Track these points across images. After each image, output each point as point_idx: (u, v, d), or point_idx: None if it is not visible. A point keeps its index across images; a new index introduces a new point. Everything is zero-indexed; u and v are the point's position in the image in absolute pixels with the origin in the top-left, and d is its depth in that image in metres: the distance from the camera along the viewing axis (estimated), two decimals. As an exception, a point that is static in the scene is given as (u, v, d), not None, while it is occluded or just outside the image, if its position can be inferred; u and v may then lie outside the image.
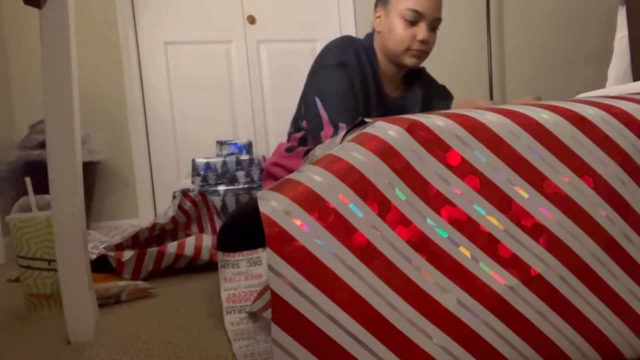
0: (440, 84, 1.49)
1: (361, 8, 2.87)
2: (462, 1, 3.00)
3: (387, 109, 1.34)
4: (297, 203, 0.54)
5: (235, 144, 2.35)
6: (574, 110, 0.66)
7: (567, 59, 3.16)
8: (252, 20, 2.82)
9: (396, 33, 1.26)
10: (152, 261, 1.41)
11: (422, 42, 1.25)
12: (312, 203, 0.54)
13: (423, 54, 1.29)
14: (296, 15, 2.92)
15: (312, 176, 0.56)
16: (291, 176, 0.58)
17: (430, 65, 2.94)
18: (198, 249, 1.46)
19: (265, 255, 1.10)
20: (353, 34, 2.84)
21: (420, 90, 1.40)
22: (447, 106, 1.44)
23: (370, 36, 1.37)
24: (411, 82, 1.41)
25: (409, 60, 1.29)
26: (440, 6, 1.28)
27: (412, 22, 1.24)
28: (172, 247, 1.43)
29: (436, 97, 1.43)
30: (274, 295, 0.52)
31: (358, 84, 1.27)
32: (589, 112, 0.66)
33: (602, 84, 1.72)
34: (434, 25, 1.28)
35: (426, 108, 1.40)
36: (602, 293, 0.61)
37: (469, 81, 3.00)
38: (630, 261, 0.63)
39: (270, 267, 0.52)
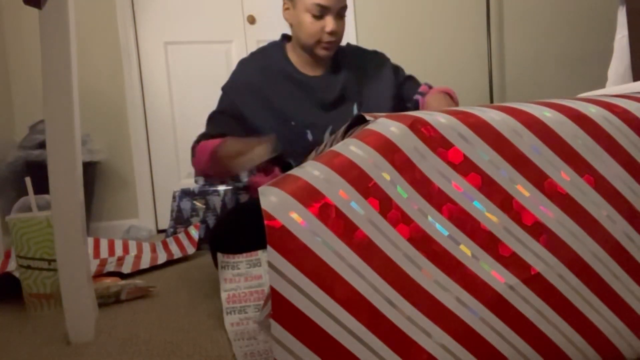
0: (378, 64, 1.42)
1: (361, 9, 2.86)
2: (462, 1, 3.00)
3: (308, 88, 1.34)
4: (295, 198, 0.54)
5: None
6: (577, 108, 0.66)
7: (567, 59, 3.16)
8: (252, 20, 2.82)
9: (305, 27, 1.29)
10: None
11: (331, 33, 1.28)
12: (311, 198, 0.54)
13: (333, 44, 1.31)
14: (296, 16, 2.91)
15: (312, 171, 0.56)
16: (292, 171, 0.58)
17: (431, 65, 2.96)
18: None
19: (264, 256, 1.10)
20: (352, 35, 2.83)
21: (346, 73, 1.38)
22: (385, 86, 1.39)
23: (283, 36, 1.41)
24: (338, 65, 1.40)
25: (321, 52, 1.31)
26: None
27: (319, 16, 1.26)
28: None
29: (370, 79, 1.40)
30: (274, 292, 0.51)
31: (256, 98, 1.34)
32: (591, 111, 0.66)
33: (602, 84, 1.71)
34: (340, 13, 1.29)
35: (355, 88, 1.38)
36: (602, 293, 0.61)
37: (469, 81, 3.00)
38: (630, 261, 0.63)
39: (270, 264, 0.52)
